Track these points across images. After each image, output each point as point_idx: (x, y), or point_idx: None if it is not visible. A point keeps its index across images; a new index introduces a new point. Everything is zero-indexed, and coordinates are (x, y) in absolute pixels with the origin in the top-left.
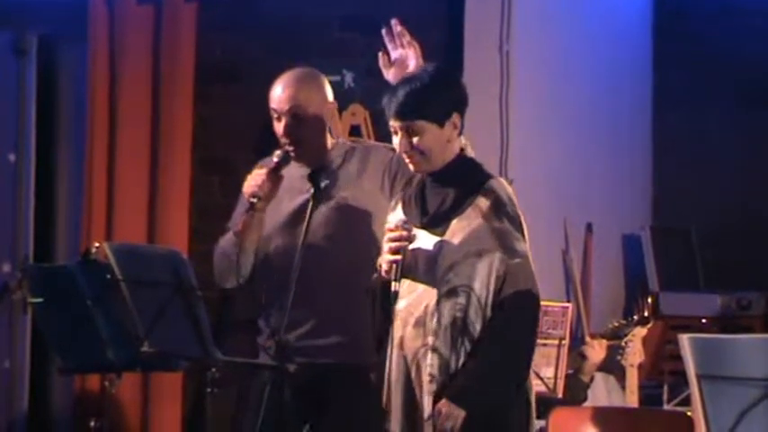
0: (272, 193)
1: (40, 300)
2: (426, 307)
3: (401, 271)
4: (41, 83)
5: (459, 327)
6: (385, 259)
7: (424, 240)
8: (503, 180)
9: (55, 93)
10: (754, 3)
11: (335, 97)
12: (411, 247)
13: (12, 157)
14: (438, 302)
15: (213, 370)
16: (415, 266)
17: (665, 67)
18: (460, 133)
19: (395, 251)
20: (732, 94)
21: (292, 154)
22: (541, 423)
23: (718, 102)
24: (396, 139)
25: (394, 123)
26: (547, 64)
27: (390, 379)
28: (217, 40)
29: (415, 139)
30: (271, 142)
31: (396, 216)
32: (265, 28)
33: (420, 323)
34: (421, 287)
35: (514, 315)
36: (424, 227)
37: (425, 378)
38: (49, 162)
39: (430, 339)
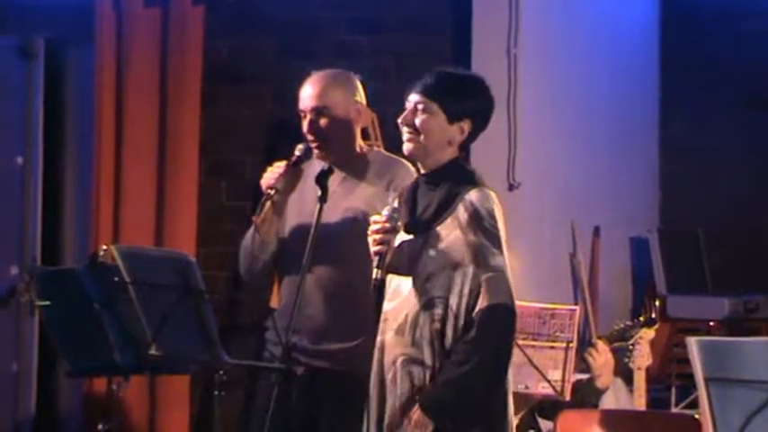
0: (291, 186)
1: (47, 302)
2: (406, 316)
3: (386, 265)
4: (49, 86)
5: (437, 337)
6: (371, 250)
7: (410, 242)
8: (488, 191)
9: (62, 96)
10: (761, 7)
11: None
12: (397, 242)
13: (19, 160)
14: (418, 313)
15: (221, 373)
16: (401, 269)
17: (672, 70)
18: (464, 147)
19: (379, 242)
20: (738, 97)
21: (316, 150)
22: (549, 426)
23: (724, 105)
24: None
25: (412, 98)
26: (554, 67)
27: (370, 382)
28: (224, 43)
29: (422, 117)
30: (278, 144)
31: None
32: (273, 30)
33: (400, 331)
34: (404, 293)
35: (488, 329)
36: (407, 230)
37: (407, 391)
38: (56, 165)
39: (409, 350)
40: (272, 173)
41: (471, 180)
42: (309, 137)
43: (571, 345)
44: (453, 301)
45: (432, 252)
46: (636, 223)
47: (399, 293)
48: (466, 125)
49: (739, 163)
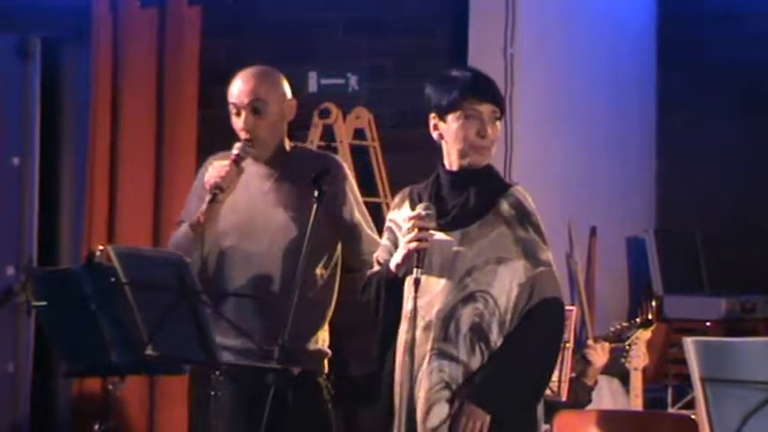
0: (234, 185)
1: (43, 303)
2: (439, 312)
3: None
4: (45, 86)
5: (477, 332)
6: (409, 246)
7: (441, 241)
8: (523, 189)
9: (59, 96)
10: (758, 7)
11: (339, 100)
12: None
13: (16, 161)
14: (454, 308)
15: (217, 373)
16: (429, 266)
17: (669, 70)
18: None
19: (418, 239)
20: (736, 97)
21: (252, 147)
22: (546, 426)
23: (722, 105)
24: (457, 125)
25: (487, 109)
26: (551, 67)
27: (395, 382)
28: (221, 43)
29: (495, 127)
30: None
31: (406, 211)
32: (269, 30)
33: (429, 327)
34: (434, 289)
35: (542, 323)
36: (441, 228)
37: (435, 385)
38: (53, 165)
39: (441, 345)
40: (218, 172)
41: (502, 181)
42: (244, 134)
43: (568, 345)
44: (501, 297)
45: (473, 248)
46: (633, 223)
47: (428, 290)
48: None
49: (736, 163)
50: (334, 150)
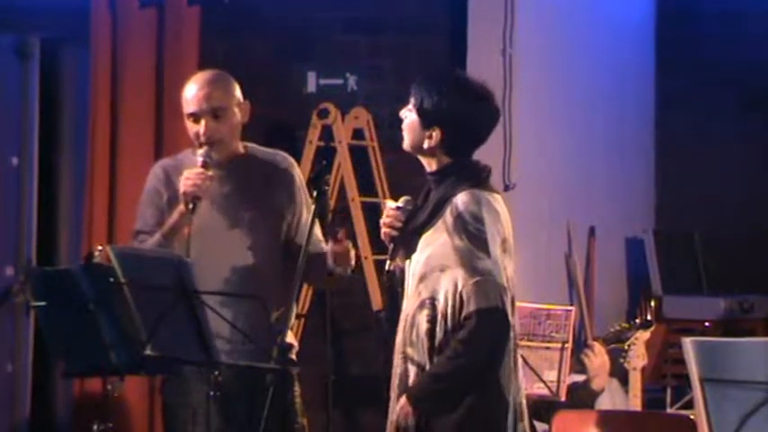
0: (207, 191)
1: (42, 303)
2: (407, 316)
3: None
4: (44, 86)
5: (430, 338)
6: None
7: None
8: (480, 193)
9: (58, 96)
10: (757, 7)
11: (338, 100)
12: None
13: (14, 161)
14: (414, 314)
15: (216, 373)
16: (406, 271)
17: (668, 71)
18: (455, 153)
19: (388, 226)
20: (735, 98)
21: (213, 153)
22: (544, 426)
23: (720, 106)
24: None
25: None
26: (550, 67)
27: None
28: (220, 44)
29: (405, 116)
30: (274, 145)
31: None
32: (268, 31)
33: (401, 331)
34: (408, 293)
35: (474, 334)
36: (409, 232)
37: (397, 388)
38: (51, 165)
39: (407, 350)
40: (192, 181)
41: (471, 181)
42: (204, 140)
43: (566, 345)
44: (440, 304)
45: (423, 254)
46: (631, 224)
47: (407, 294)
48: (435, 133)
49: (735, 164)
50: (333, 150)
